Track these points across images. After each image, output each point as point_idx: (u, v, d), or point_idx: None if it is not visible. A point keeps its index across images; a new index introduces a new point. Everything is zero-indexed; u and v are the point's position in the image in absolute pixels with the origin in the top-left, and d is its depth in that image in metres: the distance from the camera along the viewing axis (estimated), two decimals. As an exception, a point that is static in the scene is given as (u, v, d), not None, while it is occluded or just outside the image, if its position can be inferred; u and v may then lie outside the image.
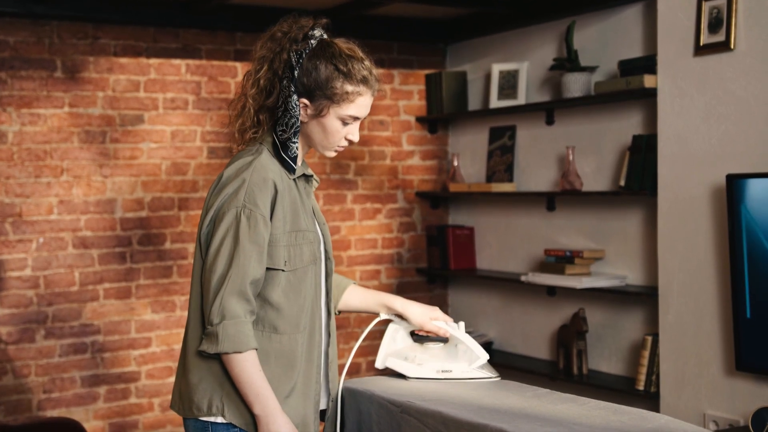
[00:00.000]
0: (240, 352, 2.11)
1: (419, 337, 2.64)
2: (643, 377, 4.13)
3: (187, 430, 2.28)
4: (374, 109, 5.33)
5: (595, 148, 4.55)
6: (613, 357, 4.48)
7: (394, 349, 2.61)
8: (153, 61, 4.71)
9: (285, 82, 2.22)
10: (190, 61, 4.81)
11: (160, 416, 4.76)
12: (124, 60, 4.64)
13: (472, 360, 2.52)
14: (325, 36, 2.28)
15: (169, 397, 4.76)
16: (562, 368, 4.57)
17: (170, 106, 4.76)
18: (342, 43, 2.28)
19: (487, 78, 5.16)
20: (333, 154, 2.34)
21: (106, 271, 4.62)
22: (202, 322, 2.20)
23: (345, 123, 2.27)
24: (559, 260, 4.55)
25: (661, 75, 4.00)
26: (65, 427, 3.54)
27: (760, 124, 3.61)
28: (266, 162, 2.22)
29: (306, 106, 2.24)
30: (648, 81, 4.04)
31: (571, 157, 4.53)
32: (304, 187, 2.34)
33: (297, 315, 2.24)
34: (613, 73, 4.42)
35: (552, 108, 4.76)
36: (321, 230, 2.38)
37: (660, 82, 4.00)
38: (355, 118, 2.28)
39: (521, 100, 4.90)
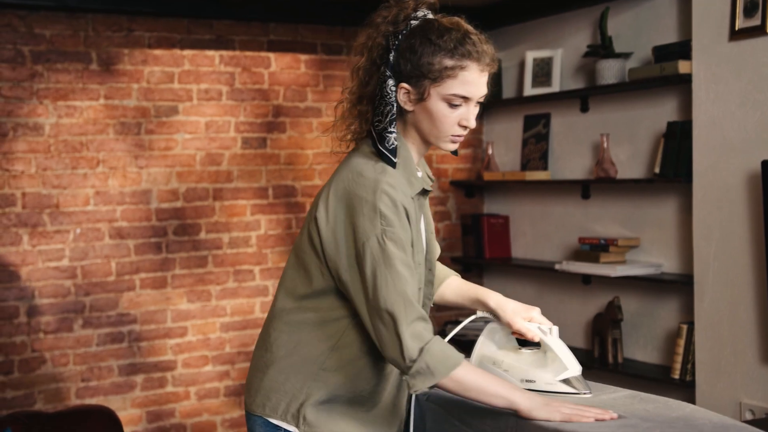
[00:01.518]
0: (458, 365, 1.94)
1: (522, 341, 2.34)
2: (678, 366, 4.09)
3: (252, 425, 2.13)
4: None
5: (629, 136, 4.51)
6: (648, 345, 4.44)
7: (489, 351, 2.34)
8: (187, 52, 4.74)
9: (382, 67, 2.02)
10: (224, 52, 4.83)
11: (197, 405, 4.80)
12: (158, 52, 4.67)
13: (559, 371, 2.20)
14: (430, 16, 2.06)
15: (206, 385, 4.81)
16: (597, 357, 4.55)
17: (204, 97, 4.79)
18: (444, 19, 2.05)
19: (521, 65, 5.13)
20: (452, 146, 2.09)
21: (142, 261, 4.66)
22: (297, 310, 2.07)
23: (452, 105, 2.02)
24: (593, 248, 4.52)
25: (696, 61, 3.95)
26: (99, 414, 3.58)
27: (797, 109, 3.56)
28: (392, 181, 1.98)
29: (408, 91, 2.02)
30: (683, 67, 4.00)
31: (605, 145, 4.49)
32: (418, 199, 2.12)
33: None
34: (647, 59, 4.37)
35: (586, 95, 4.72)
36: (427, 238, 2.21)
37: (695, 68, 3.95)
38: (464, 98, 2.02)
39: (555, 87, 4.87)
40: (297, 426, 2.05)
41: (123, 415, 4.56)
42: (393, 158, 2.00)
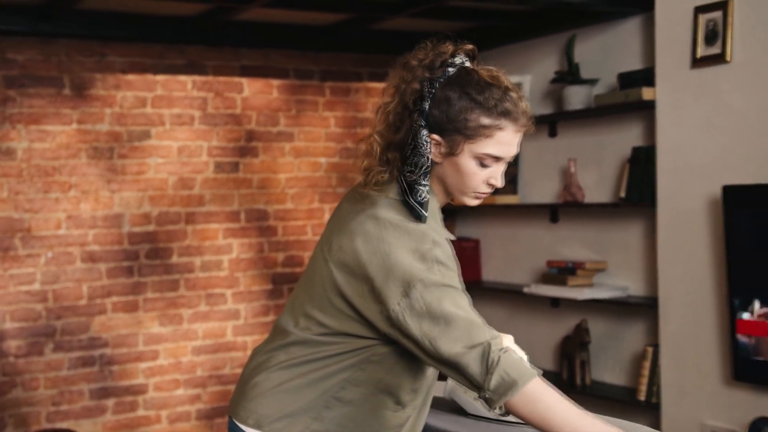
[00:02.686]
0: (534, 378, 1.82)
1: None
2: (644, 388, 4.15)
3: None
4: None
5: (596, 160, 4.58)
6: (615, 367, 4.50)
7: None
8: (160, 77, 4.78)
9: (415, 115, 1.91)
10: (197, 77, 4.88)
11: (168, 428, 4.81)
12: (131, 77, 4.71)
13: None
14: (467, 64, 1.96)
15: (177, 409, 4.82)
16: (566, 379, 4.59)
17: (177, 121, 4.83)
18: (483, 71, 1.95)
19: (491, 91, 5.18)
20: (474, 201, 1.99)
21: (113, 284, 4.68)
22: (305, 341, 2.00)
23: (483, 163, 1.92)
24: (561, 272, 4.57)
25: (660, 87, 4.03)
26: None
27: (756, 135, 3.64)
28: (438, 231, 1.94)
29: (438, 143, 1.92)
30: (646, 93, 4.07)
31: (573, 169, 4.56)
32: None
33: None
34: (613, 85, 4.45)
35: (555, 120, 4.79)
36: None
37: (658, 95, 4.03)
38: (496, 159, 1.93)
39: (524, 112, 4.93)
40: None
41: (94, 439, 4.57)
42: (424, 212, 1.91)
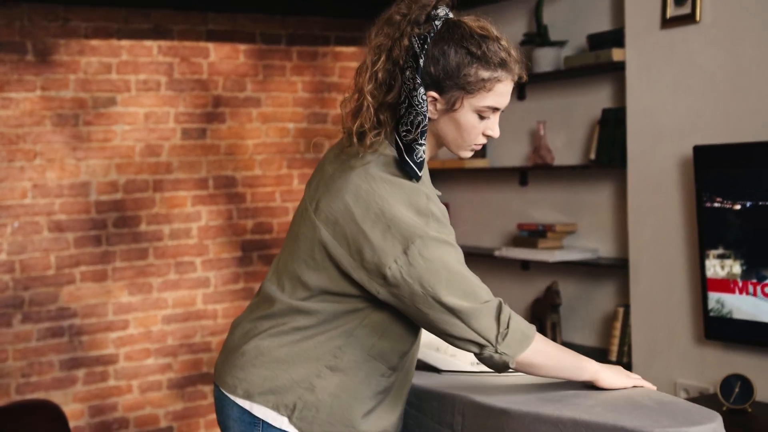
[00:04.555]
0: (532, 339, 1.90)
1: None
2: (615, 348, 4.18)
3: (228, 409, 2.01)
4: (348, 88, 5.34)
5: (566, 123, 4.58)
6: (586, 329, 4.53)
7: (432, 337, 2.27)
8: (125, 42, 4.71)
9: (408, 72, 1.88)
10: (162, 42, 4.81)
11: (139, 398, 4.78)
12: (95, 42, 4.63)
13: None
14: (450, 15, 1.95)
15: (148, 378, 4.79)
16: (537, 341, 4.62)
17: (143, 87, 4.76)
18: (472, 22, 1.94)
19: (459, 54, 5.16)
20: (468, 153, 2.00)
21: (81, 254, 4.63)
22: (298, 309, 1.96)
23: (482, 116, 1.92)
24: (531, 234, 4.59)
25: (629, 48, 4.03)
26: (43, 409, 3.56)
27: (726, 95, 3.65)
28: (430, 192, 1.94)
29: (435, 99, 1.90)
30: (616, 54, 4.07)
31: (542, 132, 4.56)
32: None
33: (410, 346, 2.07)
34: (582, 47, 4.44)
35: (523, 83, 4.78)
36: None
37: (628, 56, 4.03)
38: (495, 109, 1.93)
39: (493, 76, 4.92)
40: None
41: (65, 410, 4.53)
42: (419, 172, 1.90)
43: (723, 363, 3.67)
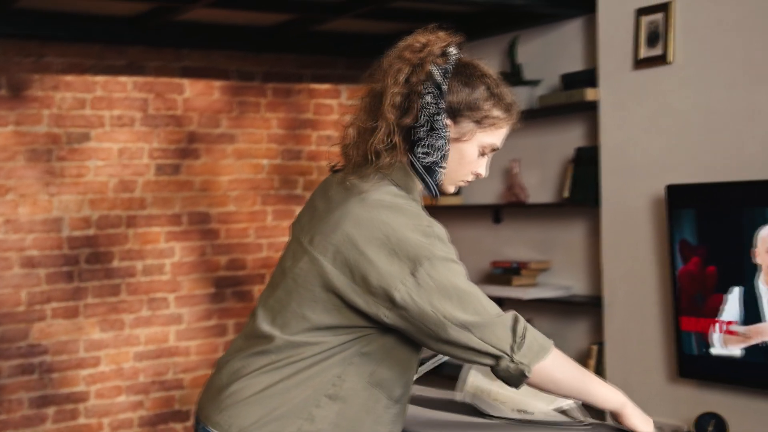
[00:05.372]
0: (549, 351, 1.88)
1: None
2: (589, 386, 4.19)
3: None
4: (322, 125, 5.37)
5: (539, 161, 4.62)
6: (560, 366, 4.53)
7: (480, 382, 2.28)
8: (99, 78, 4.70)
9: (429, 98, 1.93)
10: (137, 78, 4.80)
11: (110, 435, 4.73)
12: (69, 77, 4.62)
13: (552, 399, 2.14)
14: (460, 56, 2.01)
15: (119, 416, 4.74)
16: (511, 378, 4.61)
17: (117, 123, 4.75)
18: (483, 65, 2.03)
19: (434, 92, 5.19)
20: (453, 189, 2.06)
21: (53, 290, 4.58)
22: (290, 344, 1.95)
23: (482, 153, 2.00)
24: (506, 272, 4.60)
25: (602, 88, 4.07)
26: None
27: (698, 135, 3.70)
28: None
29: (448, 127, 1.97)
30: (589, 94, 4.12)
31: (516, 170, 4.59)
32: None
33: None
34: (556, 86, 4.49)
35: (497, 121, 4.81)
36: None
37: (601, 95, 4.08)
38: (492, 150, 2.02)
39: (467, 114, 4.95)
40: None
41: (34, 448, 4.47)
42: (439, 192, 2.00)
43: (697, 401, 3.69)
